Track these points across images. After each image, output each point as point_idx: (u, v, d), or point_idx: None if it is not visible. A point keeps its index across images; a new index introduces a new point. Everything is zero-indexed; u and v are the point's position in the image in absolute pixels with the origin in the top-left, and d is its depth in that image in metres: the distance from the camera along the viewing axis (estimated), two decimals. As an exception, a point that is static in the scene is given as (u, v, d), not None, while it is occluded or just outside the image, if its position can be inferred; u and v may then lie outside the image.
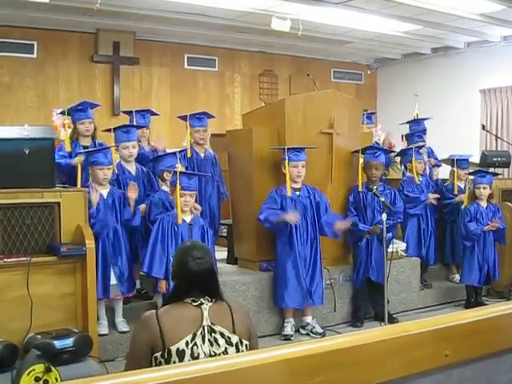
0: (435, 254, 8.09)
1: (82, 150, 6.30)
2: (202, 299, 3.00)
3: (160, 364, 2.87)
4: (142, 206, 6.23)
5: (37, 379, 4.11)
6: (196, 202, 6.13)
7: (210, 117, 7.31)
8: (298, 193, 6.56)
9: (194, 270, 3.06)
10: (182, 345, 2.88)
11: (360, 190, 7.04)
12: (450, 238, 8.29)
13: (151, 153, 7.12)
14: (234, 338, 2.98)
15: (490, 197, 7.62)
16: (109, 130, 6.60)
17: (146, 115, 7.45)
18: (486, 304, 7.13)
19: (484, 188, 7.54)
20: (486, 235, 7.53)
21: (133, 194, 6.02)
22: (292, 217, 6.34)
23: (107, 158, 5.95)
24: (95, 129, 6.73)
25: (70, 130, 6.69)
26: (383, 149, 7.63)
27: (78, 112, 6.60)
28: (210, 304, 3.01)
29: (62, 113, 6.77)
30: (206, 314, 2.96)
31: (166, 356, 2.87)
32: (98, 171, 5.91)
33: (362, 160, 7.09)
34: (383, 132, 9.29)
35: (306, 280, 6.51)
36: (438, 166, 8.76)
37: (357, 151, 7.12)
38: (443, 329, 1.75)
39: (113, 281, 5.88)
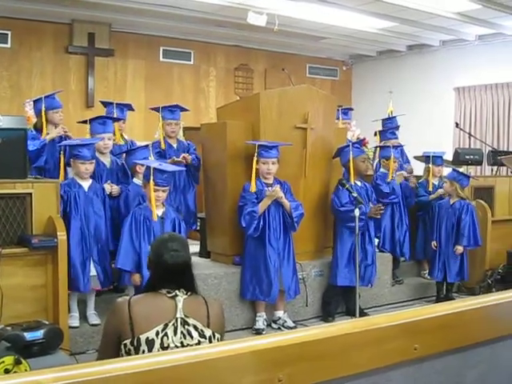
0: (410, 249, 8.13)
1: (64, 142, 6.24)
2: (176, 291, 2.99)
3: (129, 351, 2.87)
4: None
5: (6, 371, 4.08)
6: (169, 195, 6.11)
7: (183, 110, 7.26)
8: (270, 188, 6.52)
9: (168, 262, 3.05)
10: (152, 334, 2.87)
11: (353, 184, 6.99)
12: (422, 235, 8.32)
13: (124, 145, 7.10)
14: (208, 332, 2.97)
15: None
16: (85, 122, 6.52)
17: (125, 109, 7.40)
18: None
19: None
20: (447, 235, 7.66)
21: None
22: (275, 192, 6.38)
23: (90, 153, 5.93)
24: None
25: (34, 120, 6.68)
26: (360, 143, 7.64)
27: (54, 101, 6.59)
28: (185, 297, 3.00)
29: (39, 100, 6.60)
30: (179, 306, 2.96)
31: (135, 344, 2.86)
32: (80, 165, 5.88)
33: (351, 155, 6.99)
34: (357, 128, 9.30)
35: (280, 274, 6.51)
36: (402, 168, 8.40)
37: (347, 146, 7.08)
38: (412, 322, 1.77)
39: (92, 272, 5.87)
